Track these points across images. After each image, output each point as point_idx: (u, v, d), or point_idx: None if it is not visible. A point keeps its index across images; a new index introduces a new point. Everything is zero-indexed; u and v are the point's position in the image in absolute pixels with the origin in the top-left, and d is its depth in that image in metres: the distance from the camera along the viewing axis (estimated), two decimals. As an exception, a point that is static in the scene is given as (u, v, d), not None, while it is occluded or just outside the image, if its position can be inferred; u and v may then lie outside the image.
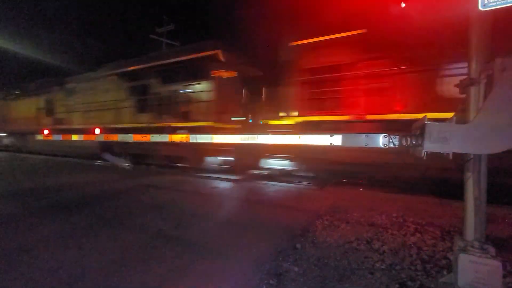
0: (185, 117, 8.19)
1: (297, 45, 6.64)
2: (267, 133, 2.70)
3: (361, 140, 2.25)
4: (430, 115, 2.05)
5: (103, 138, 4.78)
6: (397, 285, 2.15)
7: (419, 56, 4.97)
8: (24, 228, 3.30)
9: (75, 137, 6.14)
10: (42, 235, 3.08)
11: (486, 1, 1.79)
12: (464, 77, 1.97)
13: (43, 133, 6.16)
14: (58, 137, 6.64)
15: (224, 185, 6.22)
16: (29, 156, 12.31)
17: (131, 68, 9.48)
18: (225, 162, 7.76)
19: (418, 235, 3.12)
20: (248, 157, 7.42)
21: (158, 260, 2.52)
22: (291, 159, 6.86)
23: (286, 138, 2.55)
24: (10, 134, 15.85)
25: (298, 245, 2.86)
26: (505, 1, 1.76)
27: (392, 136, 2.12)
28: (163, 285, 2.15)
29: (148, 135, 3.87)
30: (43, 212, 3.92)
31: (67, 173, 7.71)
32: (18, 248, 2.74)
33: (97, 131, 6.19)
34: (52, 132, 6.61)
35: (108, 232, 3.17)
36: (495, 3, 1.76)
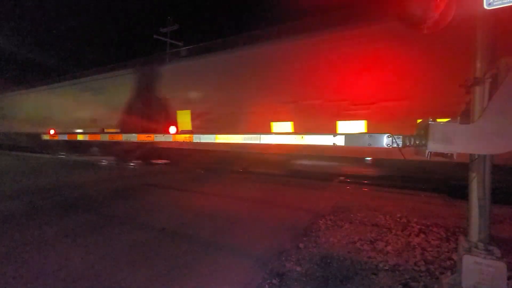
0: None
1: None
2: (270, 133, 2.70)
3: (364, 140, 2.24)
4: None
5: (107, 138, 4.83)
6: (400, 286, 2.14)
7: None
8: (32, 225, 3.35)
9: (80, 137, 6.20)
10: (50, 232, 3.12)
11: (491, 0, 1.77)
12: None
13: (49, 133, 6.23)
14: (63, 137, 6.71)
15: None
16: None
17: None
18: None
19: (422, 235, 3.10)
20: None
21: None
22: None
23: (289, 138, 2.55)
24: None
25: (301, 245, 2.86)
26: (510, 0, 1.73)
27: (395, 136, 2.11)
28: (168, 281, 2.17)
29: (152, 135, 3.89)
30: (51, 210, 3.98)
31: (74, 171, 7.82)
32: (26, 245, 2.78)
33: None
34: (57, 132, 6.69)
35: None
36: (500, 2, 1.74)
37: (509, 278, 2.07)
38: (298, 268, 2.40)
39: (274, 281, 2.21)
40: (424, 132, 1.92)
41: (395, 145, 2.09)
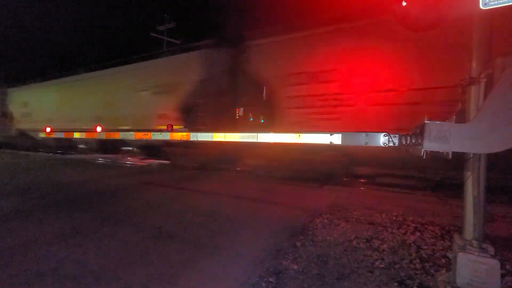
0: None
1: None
2: (268, 131, 2.71)
3: (361, 139, 2.25)
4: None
5: (104, 136, 4.81)
6: (395, 284, 2.16)
7: None
8: (28, 224, 3.33)
9: (77, 135, 6.17)
10: (45, 231, 3.10)
11: (487, 0, 1.78)
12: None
13: (45, 131, 6.19)
14: (60, 135, 6.69)
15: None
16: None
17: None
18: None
19: (417, 234, 3.13)
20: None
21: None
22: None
23: (286, 137, 2.56)
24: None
25: (298, 243, 2.87)
26: (506, 0, 1.75)
27: (392, 135, 2.12)
28: (164, 280, 2.17)
29: (149, 133, 3.89)
30: (47, 209, 3.95)
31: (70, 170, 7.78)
32: (21, 244, 2.77)
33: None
34: (54, 130, 6.65)
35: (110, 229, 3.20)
36: (496, 2, 1.75)
37: (503, 276, 2.10)
38: (295, 266, 2.41)
39: (271, 279, 2.21)
40: (420, 131, 1.94)
41: (391, 144, 2.10)
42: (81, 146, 12.49)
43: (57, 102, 12.73)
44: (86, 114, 11.16)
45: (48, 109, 13.00)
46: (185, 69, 8.19)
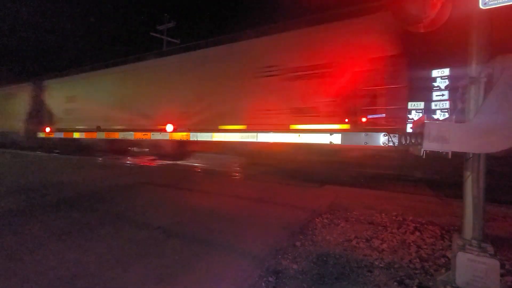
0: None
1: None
2: (267, 131, 2.70)
3: (361, 139, 2.26)
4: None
5: (104, 136, 4.81)
6: (395, 283, 2.16)
7: None
8: (27, 223, 3.33)
9: (76, 135, 6.19)
10: (43, 231, 3.10)
11: (486, 0, 1.78)
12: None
13: (45, 131, 6.19)
14: (59, 135, 6.69)
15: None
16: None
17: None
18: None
19: (417, 233, 3.13)
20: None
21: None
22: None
23: (286, 136, 2.56)
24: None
25: (297, 243, 2.87)
26: (506, 0, 1.75)
27: (391, 135, 2.13)
28: (163, 280, 2.17)
29: (148, 133, 3.89)
30: (46, 208, 3.95)
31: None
32: (20, 243, 2.76)
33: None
34: (53, 130, 6.64)
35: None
36: (495, 2, 1.75)
37: (502, 275, 2.10)
38: (295, 266, 2.41)
39: (270, 279, 2.21)
40: (419, 130, 1.94)
41: (391, 144, 2.10)
42: (135, 149, 11.07)
43: (117, 95, 10.40)
44: (163, 110, 8.84)
45: (104, 105, 10.57)
46: (347, 42, 5.95)
